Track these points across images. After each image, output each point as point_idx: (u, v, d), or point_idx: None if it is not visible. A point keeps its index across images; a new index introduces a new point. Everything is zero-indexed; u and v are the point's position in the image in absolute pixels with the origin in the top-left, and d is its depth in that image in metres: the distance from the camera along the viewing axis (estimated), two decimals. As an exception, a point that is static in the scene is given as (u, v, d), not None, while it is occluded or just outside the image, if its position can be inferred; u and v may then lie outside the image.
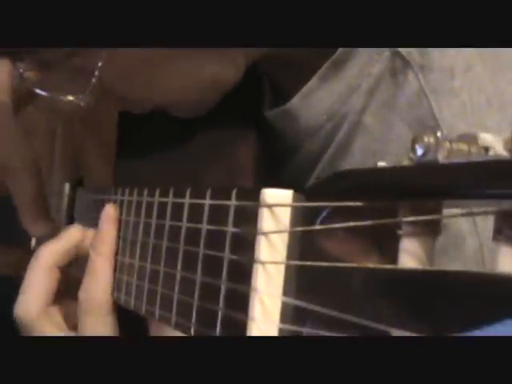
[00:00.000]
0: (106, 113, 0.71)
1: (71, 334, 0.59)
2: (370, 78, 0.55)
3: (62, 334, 0.59)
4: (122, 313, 0.57)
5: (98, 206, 0.64)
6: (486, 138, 0.28)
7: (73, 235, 0.63)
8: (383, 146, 0.55)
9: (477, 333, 0.24)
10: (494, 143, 0.27)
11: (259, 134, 0.66)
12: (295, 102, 0.59)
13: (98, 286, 0.56)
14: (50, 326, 0.59)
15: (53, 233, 0.76)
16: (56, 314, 0.60)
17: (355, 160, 0.57)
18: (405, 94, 0.54)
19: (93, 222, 0.66)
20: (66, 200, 0.80)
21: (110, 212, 0.59)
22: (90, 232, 0.61)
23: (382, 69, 0.55)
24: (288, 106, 0.60)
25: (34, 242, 0.92)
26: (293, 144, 0.62)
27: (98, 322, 0.56)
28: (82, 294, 0.57)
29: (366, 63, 0.55)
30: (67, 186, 0.80)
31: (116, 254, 0.58)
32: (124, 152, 0.70)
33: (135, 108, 0.63)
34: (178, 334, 0.49)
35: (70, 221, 0.78)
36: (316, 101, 0.58)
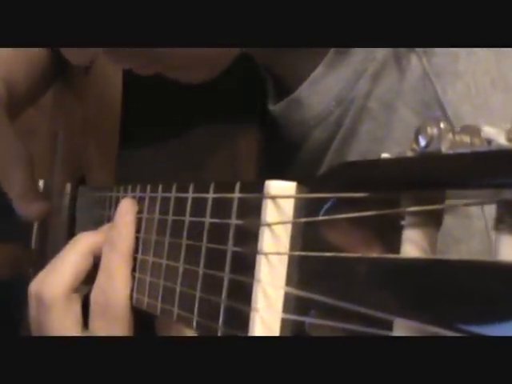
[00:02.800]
0: (108, 109, 0.72)
1: (84, 332, 0.54)
2: (374, 63, 0.56)
3: (75, 329, 0.54)
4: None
5: (101, 204, 0.64)
6: (489, 130, 0.28)
7: None
8: (388, 132, 0.55)
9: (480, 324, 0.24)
10: (496, 136, 0.28)
11: (262, 130, 0.66)
12: (303, 89, 0.59)
13: (114, 287, 0.52)
14: (68, 312, 0.54)
15: (51, 219, 0.77)
16: (76, 302, 0.55)
17: (362, 146, 0.57)
18: (409, 79, 0.54)
19: (95, 219, 0.66)
20: (67, 199, 0.80)
21: (127, 205, 0.54)
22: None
23: (386, 53, 0.55)
24: (296, 94, 0.60)
25: (34, 241, 0.92)
26: (301, 134, 0.62)
27: (113, 328, 0.52)
28: (96, 296, 0.53)
29: (371, 48, 0.56)
30: (69, 186, 0.80)
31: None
32: (126, 147, 0.70)
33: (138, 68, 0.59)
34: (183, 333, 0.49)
35: (72, 220, 0.78)
36: (324, 87, 0.58)
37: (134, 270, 0.53)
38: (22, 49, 0.75)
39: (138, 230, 0.54)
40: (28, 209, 0.72)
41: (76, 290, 0.55)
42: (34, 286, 0.55)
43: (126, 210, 0.54)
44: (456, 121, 0.50)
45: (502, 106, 0.50)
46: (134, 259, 0.53)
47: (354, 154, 0.57)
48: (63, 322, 0.53)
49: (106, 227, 0.57)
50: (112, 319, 0.52)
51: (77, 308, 0.54)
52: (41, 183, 0.89)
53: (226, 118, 0.67)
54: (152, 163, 0.69)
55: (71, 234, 0.78)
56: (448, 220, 0.29)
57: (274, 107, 0.63)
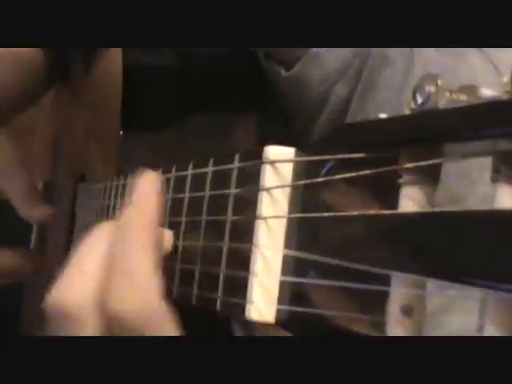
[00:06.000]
0: (109, 108, 0.72)
1: None
2: None
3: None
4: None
5: (101, 195, 0.65)
6: (487, 91, 0.28)
7: None
8: (407, 79, 0.55)
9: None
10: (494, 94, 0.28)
11: (266, 111, 0.66)
12: None
13: (139, 289, 0.37)
14: (97, 320, 0.39)
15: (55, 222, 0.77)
16: None
17: (382, 95, 0.57)
18: None
19: (94, 212, 0.67)
20: (67, 197, 0.80)
21: (151, 177, 0.41)
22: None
23: None
24: (312, 51, 0.59)
25: (33, 242, 0.92)
26: (323, 93, 0.61)
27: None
28: (116, 305, 0.37)
29: None
30: (69, 184, 0.80)
31: None
32: (125, 138, 0.71)
33: None
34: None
35: (72, 218, 0.79)
36: None
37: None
38: (11, 51, 0.75)
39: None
40: (32, 213, 0.72)
41: None
42: (56, 296, 0.41)
43: (148, 187, 0.41)
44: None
45: None
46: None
47: (375, 103, 0.57)
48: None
49: None
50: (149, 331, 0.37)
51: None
52: (39, 185, 0.89)
53: (225, 107, 0.67)
54: (150, 153, 0.70)
55: (70, 232, 0.79)
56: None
57: (291, 71, 0.61)
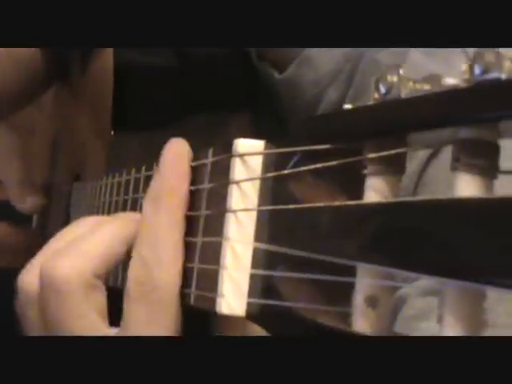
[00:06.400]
0: (101, 103, 0.72)
1: (110, 329, 0.41)
2: None
3: (97, 325, 0.41)
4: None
5: (92, 194, 0.65)
6: (450, 81, 0.28)
7: None
8: None
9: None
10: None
11: (256, 114, 0.66)
12: (312, 49, 0.59)
13: (161, 259, 0.39)
14: (89, 302, 0.40)
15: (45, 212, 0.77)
16: (100, 291, 0.41)
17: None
18: None
19: (88, 211, 0.67)
20: (63, 197, 0.81)
21: (177, 148, 0.41)
22: None
23: None
24: (305, 53, 0.59)
25: (34, 221, 0.92)
26: (315, 97, 0.61)
27: (157, 316, 0.39)
28: (135, 272, 0.39)
29: None
30: (65, 183, 0.81)
31: None
32: (118, 137, 0.71)
33: None
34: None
35: (67, 216, 0.79)
36: None
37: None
38: (10, 51, 0.75)
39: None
40: (23, 200, 0.73)
41: (100, 276, 0.41)
42: (43, 266, 0.41)
43: (178, 155, 0.40)
44: None
45: None
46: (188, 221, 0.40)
47: None
48: (82, 315, 0.40)
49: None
50: (156, 303, 0.39)
51: (100, 298, 0.41)
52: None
53: (222, 107, 0.67)
54: (146, 154, 0.70)
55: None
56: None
57: (284, 74, 0.62)
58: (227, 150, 0.35)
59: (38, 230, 0.91)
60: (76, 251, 0.41)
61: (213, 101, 0.67)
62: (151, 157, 0.67)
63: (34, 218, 0.90)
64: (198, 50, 0.66)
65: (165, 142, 0.66)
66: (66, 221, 0.79)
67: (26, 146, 0.74)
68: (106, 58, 0.70)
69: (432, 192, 0.48)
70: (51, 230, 0.84)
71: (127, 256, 0.41)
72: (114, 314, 0.41)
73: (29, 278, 0.43)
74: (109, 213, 0.59)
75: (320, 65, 0.60)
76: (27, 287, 0.43)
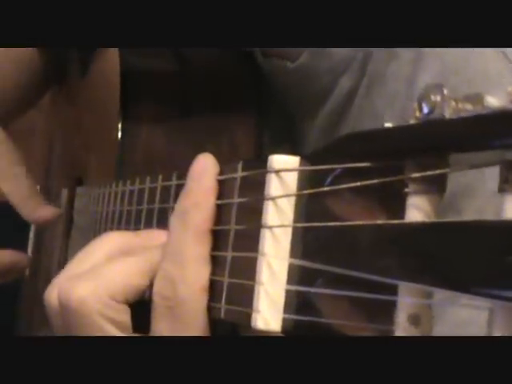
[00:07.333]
0: (106, 105, 0.72)
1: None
2: None
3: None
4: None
5: (101, 200, 0.65)
6: (492, 100, 0.28)
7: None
8: (416, 71, 0.55)
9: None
10: (499, 103, 0.28)
11: (262, 115, 0.66)
12: None
13: (186, 275, 0.39)
14: (111, 319, 0.41)
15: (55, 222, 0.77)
16: (124, 312, 0.42)
17: (389, 88, 0.57)
18: None
19: (93, 217, 0.67)
20: (64, 201, 0.80)
21: (205, 164, 0.41)
22: None
23: None
24: None
25: (30, 245, 0.92)
26: (328, 85, 0.61)
27: (184, 331, 0.39)
28: (161, 288, 0.40)
29: None
30: (66, 188, 0.80)
31: None
32: (125, 140, 0.71)
33: None
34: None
35: (70, 222, 0.79)
36: None
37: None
38: (10, 51, 0.75)
39: (137, 223, 0.53)
40: (35, 214, 0.72)
41: (119, 301, 0.42)
42: (61, 288, 0.43)
43: (203, 170, 0.40)
44: None
45: None
46: (214, 236, 0.40)
47: (383, 96, 0.57)
48: (99, 331, 0.41)
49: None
50: (181, 318, 0.39)
51: (120, 315, 0.42)
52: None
53: (224, 108, 0.67)
54: (149, 156, 0.69)
55: (67, 235, 0.79)
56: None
57: (298, 61, 0.62)
58: (261, 166, 0.35)
59: (37, 233, 0.91)
60: (95, 281, 0.42)
61: (216, 102, 0.67)
62: (157, 161, 0.67)
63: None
64: (197, 50, 0.66)
65: (167, 146, 0.67)
66: (68, 225, 0.78)
67: (26, 152, 0.74)
68: (110, 59, 0.70)
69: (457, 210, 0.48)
70: (51, 233, 0.84)
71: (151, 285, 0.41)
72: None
73: (50, 297, 0.45)
74: (120, 221, 0.58)
75: (333, 52, 0.60)
76: (49, 304, 0.45)
